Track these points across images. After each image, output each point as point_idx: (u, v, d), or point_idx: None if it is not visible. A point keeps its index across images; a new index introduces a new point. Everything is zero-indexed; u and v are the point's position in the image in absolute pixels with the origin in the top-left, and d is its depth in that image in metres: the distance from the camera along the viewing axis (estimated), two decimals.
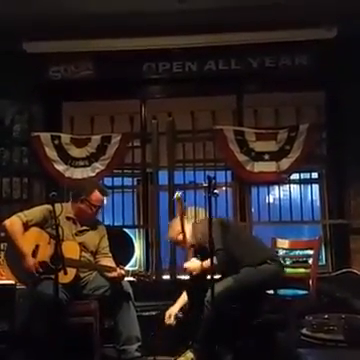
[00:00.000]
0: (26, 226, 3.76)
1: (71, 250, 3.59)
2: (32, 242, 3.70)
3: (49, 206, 3.76)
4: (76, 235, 3.86)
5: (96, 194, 3.88)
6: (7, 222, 3.75)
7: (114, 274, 3.71)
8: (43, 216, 3.80)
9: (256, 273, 3.59)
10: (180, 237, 3.87)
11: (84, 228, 3.93)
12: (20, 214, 3.79)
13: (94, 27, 4.74)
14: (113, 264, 3.85)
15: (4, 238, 3.93)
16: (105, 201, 4.00)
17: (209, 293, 3.58)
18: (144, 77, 5.25)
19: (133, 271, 3.84)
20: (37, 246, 3.69)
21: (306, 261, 4.36)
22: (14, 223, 3.74)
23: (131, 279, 3.88)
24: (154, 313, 4.19)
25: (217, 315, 3.24)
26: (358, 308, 3.73)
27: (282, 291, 3.82)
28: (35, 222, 3.78)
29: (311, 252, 4.15)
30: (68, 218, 3.87)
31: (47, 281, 3.50)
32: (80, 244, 3.78)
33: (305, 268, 4.19)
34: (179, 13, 4.59)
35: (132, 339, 3.74)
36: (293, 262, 4.47)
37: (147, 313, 4.16)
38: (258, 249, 3.79)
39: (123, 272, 3.73)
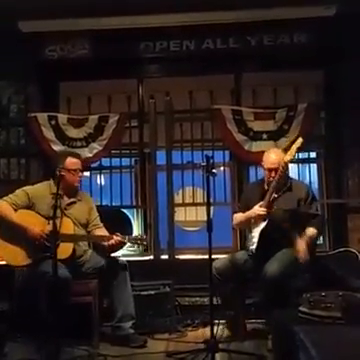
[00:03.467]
0: (15, 208, 3.80)
1: (65, 226, 3.61)
2: (24, 223, 3.72)
3: (27, 188, 3.92)
4: (65, 209, 3.86)
5: (69, 159, 3.97)
6: None
7: (112, 241, 3.74)
8: (27, 198, 3.85)
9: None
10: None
11: (71, 200, 3.95)
12: (5, 198, 3.84)
13: (90, 5, 4.67)
14: (107, 234, 3.90)
15: None
16: (79, 165, 4.01)
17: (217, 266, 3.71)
18: (141, 56, 5.21)
19: (130, 237, 3.84)
20: None
21: None
22: (2, 205, 3.78)
23: (129, 256, 3.91)
24: (152, 292, 4.22)
25: None
26: (355, 286, 3.77)
27: None
28: (21, 205, 3.82)
29: None
30: (54, 193, 3.86)
31: (47, 260, 3.52)
32: (71, 218, 3.81)
33: None
34: None
35: (127, 317, 3.83)
36: None
37: (145, 292, 4.19)
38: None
39: (120, 238, 3.77)
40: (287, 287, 3.45)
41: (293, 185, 3.92)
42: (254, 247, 3.71)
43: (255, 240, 3.69)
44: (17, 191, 3.91)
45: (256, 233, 3.72)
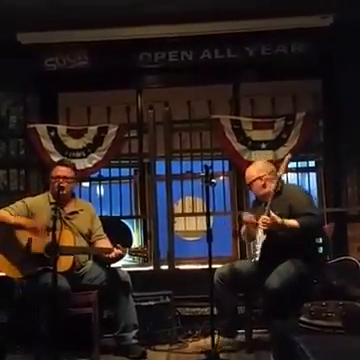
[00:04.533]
0: None
1: (65, 238, 3.57)
2: (25, 236, 3.69)
3: (26, 199, 3.91)
4: (67, 219, 3.82)
5: (57, 168, 3.94)
6: None
7: (112, 255, 3.72)
8: (26, 209, 3.84)
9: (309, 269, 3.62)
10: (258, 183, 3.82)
11: (72, 210, 3.91)
12: (5, 208, 3.82)
13: (89, 17, 4.70)
14: (109, 245, 3.86)
15: None
16: (66, 173, 3.91)
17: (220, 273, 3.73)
18: (140, 66, 5.23)
19: (130, 249, 3.82)
20: (30, 239, 3.67)
21: None
22: (2, 213, 3.77)
23: (129, 266, 3.89)
24: (153, 303, 4.20)
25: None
26: (355, 295, 3.76)
27: None
28: (20, 215, 3.80)
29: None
30: (51, 203, 3.85)
31: (46, 272, 3.51)
32: (73, 229, 3.79)
33: None
34: (174, 2, 4.56)
35: (130, 327, 3.81)
36: None
37: (145, 303, 4.17)
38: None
39: (120, 251, 3.73)
40: (287, 300, 3.42)
41: (284, 189, 3.83)
42: (257, 257, 3.69)
43: (258, 252, 3.66)
44: (17, 202, 3.90)
45: (259, 243, 3.69)
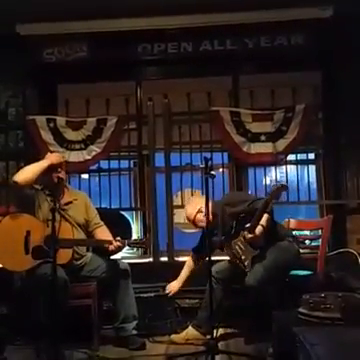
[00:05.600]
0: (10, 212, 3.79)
1: (63, 230, 3.54)
2: (23, 228, 3.68)
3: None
4: (62, 210, 3.78)
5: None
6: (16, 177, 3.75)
7: (112, 247, 3.72)
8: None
9: (284, 254, 3.68)
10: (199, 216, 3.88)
11: (66, 200, 3.88)
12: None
13: (88, 8, 4.68)
14: (108, 234, 3.87)
15: None
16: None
17: (217, 269, 3.77)
18: (139, 58, 5.21)
19: (129, 241, 3.82)
20: (28, 232, 3.67)
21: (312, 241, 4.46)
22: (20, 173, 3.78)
23: (129, 258, 3.89)
24: (152, 295, 4.22)
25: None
26: (354, 287, 3.78)
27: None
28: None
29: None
30: (45, 194, 3.83)
31: (45, 264, 3.52)
32: (70, 220, 3.78)
33: (311, 249, 4.25)
34: None
35: (129, 317, 3.83)
36: (301, 242, 4.49)
37: (145, 295, 4.19)
38: (277, 225, 3.88)
39: (120, 244, 3.73)
40: (268, 293, 3.51)
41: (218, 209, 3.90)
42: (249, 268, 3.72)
43: (247, 263, 3.68)
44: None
45: (249, 258, 3.70)
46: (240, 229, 3.69)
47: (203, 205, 3.64)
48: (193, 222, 3.94)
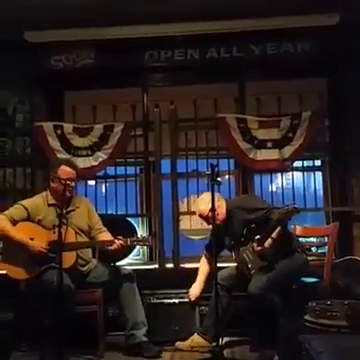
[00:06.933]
0: (14, 222, 3.75)
1: (67, 236, 3.54)
2: (26, 235, 3.69)
3: (24, 202, 3.85)
4: (65, 217, 3.72)
5: (62, 168, 3.83)
6: None
7: (114, 246, 3.70)
8: (26, 212, 3.79)
9: (291, 264, 3.66)
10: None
11: (69, 209, 3.85)
12: (5, 212, 3.77)
13: (95, 15, 4.72)
14: (110, 238, 3.84)
15: None
16: (75, 175, 3.86)
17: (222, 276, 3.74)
18: (146, 65, 5.24)
19: (131, 239, 3.77)
20: (31, 239, 3.67)
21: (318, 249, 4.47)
22: (1, 221, 3.71)
23: (134, 265, 3.87)
24: (158, 301, 4.20)
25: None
26: None
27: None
28: (20, 218, 3.77)
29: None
30: (50, 205, 3.84)
31: (50, 270, 3.53)
32: (73, 227, 3.76)
33: (317, 256, 4.24)
34: (181, 1, 4.57)
35: (139, 324, 3.79)
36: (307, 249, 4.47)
37: (152, 301, 4.16)
38: (291, 235, 3.86)
39: (122, 242, 3.70)
40: (271, 302, 3.48)
41: (231, 206, 3.88)
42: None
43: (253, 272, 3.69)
44: (15, 205, 3.85)
45: (256, 267, 3.69)
46: (250, 238, 3.67)
47: (215, 202, 3.66)
48: (206, 218, 3.88)
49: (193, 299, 4.00)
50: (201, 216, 3.90)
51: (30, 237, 3.68)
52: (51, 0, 4.49)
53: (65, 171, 3.81)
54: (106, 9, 4.63)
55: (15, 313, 4.09)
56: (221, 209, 3.80)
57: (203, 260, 4.09)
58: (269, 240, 3.55)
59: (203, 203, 3.88)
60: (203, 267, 4.06)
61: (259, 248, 3.57)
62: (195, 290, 4.00)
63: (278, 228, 3.55)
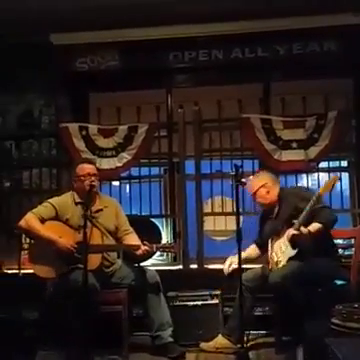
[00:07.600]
0: (43, 221, 3.80)
1: (94, 237, 3.61)
2: (55, 234, 3.72)
3: (53, 200, 3.90)
4: (93, 217, 3.78)
5: (80, 167, 3.90)
6: (22, 222, 3.77)
7: (140, 251, 3.71)
8: (54, 210, 3.83)
9: (321, 263, 3.62)
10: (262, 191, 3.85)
11: (97, 208, 3.89)
12: (33, 210, 3.82)
13: (120, 17, 4.74)
14: (137, 240, 3.85)
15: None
16: (94, 170, 3.91)
17: (247, 277, 3.74)
18: (170, 66, 5.24)
19: (157, 245, 3.79)
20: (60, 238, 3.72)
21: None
22: (30, 219, 3.77)
23: (159, 266, 3.87)
24: (181, 304, 4.18)
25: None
26: None
27: None
28: (48, 217, 3.81)
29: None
30: (77, 203, 3.87)
31: (77, 270, 3.56)
32: (100, 228, 3.80)
33: (344, 258, 4.16)
34: (204, 1, 4.56)
35: (164, 325, 3.80)
36: None
37: (177, 303, 4.16)
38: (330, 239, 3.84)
39: (148, 248, 3.71)
40: (291, 293, 3.45)
41: (285, 193, 3.88)
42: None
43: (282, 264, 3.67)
44: (44, 203, 3.90)
45: (285, 257, 3.68)
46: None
47: (269, 182, 3.70)
48: (253, 195, 3.90)
49: (230, 269, 3.89)
50: (250, 190, 3.93)
51: (59, 236, 3.71)
52: (76, 2, 4.54)
53: (82, 168, 3.89)
54: (130, 11, 4.65)
55: (41, 312, 4.14)
56: (272, 190, 3.82)
57: (253, 245, 4.09)
58: (305, 229, 3.52)
59: (257, 179, 3.90)
60: (250, 250, 4.06)
61: (295, 232, 3.54)
62: (235, 258, 3.78)
63: (319, 225, 3.53)
